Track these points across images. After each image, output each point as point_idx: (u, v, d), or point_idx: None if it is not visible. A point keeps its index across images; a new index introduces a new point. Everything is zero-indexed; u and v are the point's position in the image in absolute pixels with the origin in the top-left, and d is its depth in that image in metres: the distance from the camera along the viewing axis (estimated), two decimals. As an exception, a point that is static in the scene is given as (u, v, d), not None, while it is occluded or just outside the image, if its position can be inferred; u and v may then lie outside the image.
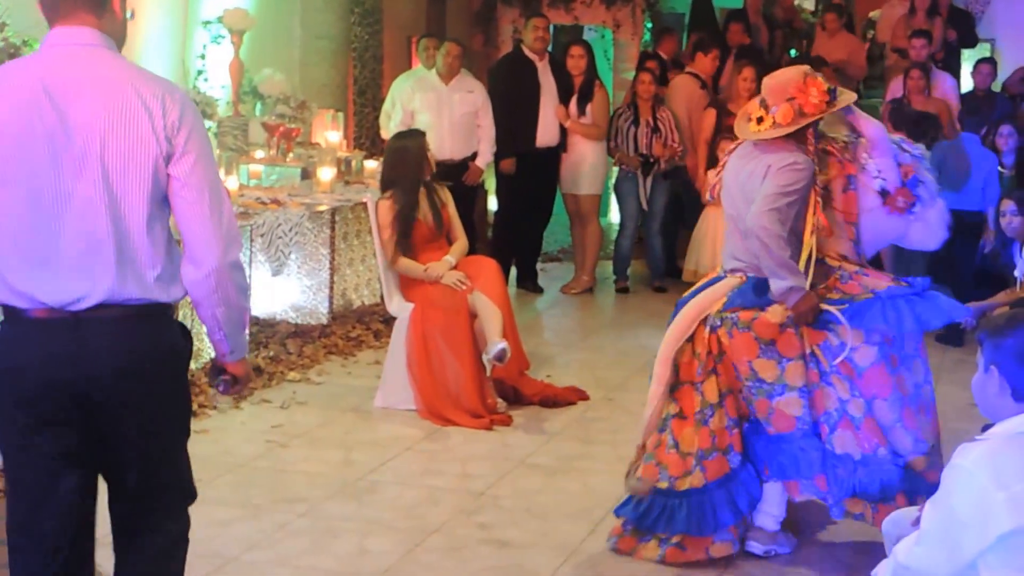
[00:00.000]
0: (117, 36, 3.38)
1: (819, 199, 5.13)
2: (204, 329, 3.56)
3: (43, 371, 3.22)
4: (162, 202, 3.28)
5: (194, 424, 6.35)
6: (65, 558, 3.35)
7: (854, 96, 5.37)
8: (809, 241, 5.10)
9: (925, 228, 5.33)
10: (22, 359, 3.24)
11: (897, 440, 5.02)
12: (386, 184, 7.19)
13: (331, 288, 8.68)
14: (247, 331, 3.56)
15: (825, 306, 5.00)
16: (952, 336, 8.57)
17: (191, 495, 3.57)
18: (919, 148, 5.50)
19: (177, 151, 3.24)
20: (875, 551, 4.68)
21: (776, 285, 4.97)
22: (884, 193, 5.21)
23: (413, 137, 7.25)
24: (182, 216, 3.28)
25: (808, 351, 5.05)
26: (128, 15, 3.66)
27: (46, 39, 3.32)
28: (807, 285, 4.97)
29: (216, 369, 3.56)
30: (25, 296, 3.22)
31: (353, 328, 8.62)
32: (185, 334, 3.48)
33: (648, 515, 5.12)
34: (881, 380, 5.02)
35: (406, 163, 7.11)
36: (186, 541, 3.58)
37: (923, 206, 5.26)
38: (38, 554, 3.34)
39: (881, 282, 5.16)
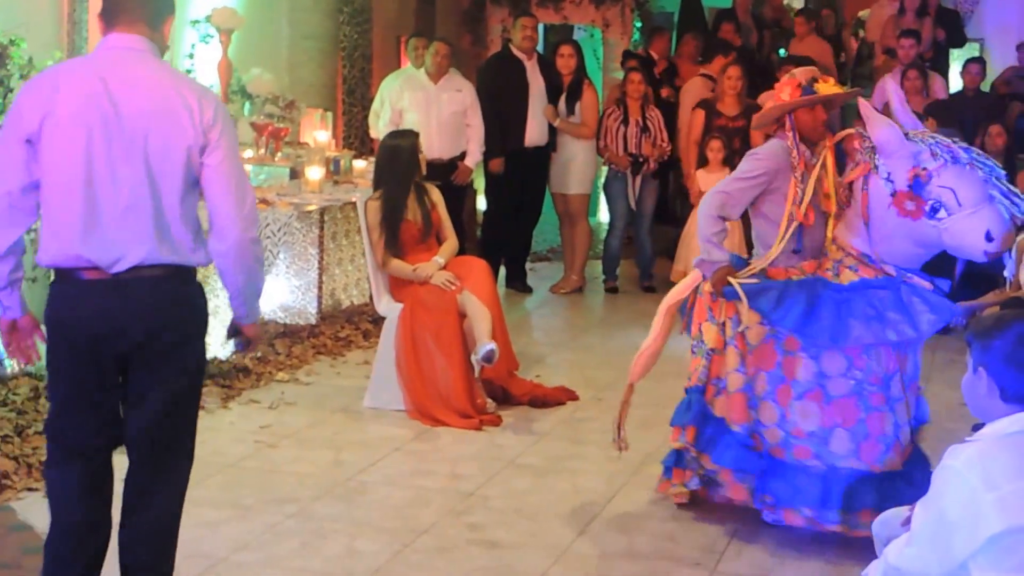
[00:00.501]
0: (161, 49, 4.05)
1: (799, 190, 5.23)
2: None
3: (90, 324, 3.87)
4: (193, 184, 3.94)
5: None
6: (96, 462, 4.04)
7: (834, 89, 5.49)
8: (782, 231, 5.32)
9: (954, 236, 5.14)
10: (73, 313, 3.90)
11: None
12: (377, 184, 7.18)
13: (320, 288, 8.68)
14: (260, 299, 4.24)
15: (732, 280, 5.33)
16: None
17: (190, 457, 4.18)
18: (971, 151, 5.22)
19: (211, 144, 3.90)
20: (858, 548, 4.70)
21: (698, 257, 5.46)
22: (893, 195, 5.22)
23: (406, 137, 7.24)
24: (212, 198, 3.95)
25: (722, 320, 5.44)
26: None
27: (104, 42, 3.99)
28: (725, 260, 5.37)
29: (233, 330, 4.24)
30: (78, 258, 3.85)
31: (342, 328, 8.61)
32: (203, 295, 4.11)
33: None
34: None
35: (398, 163, 7.10)
36: (182, 501, 4.19)
37: (949, 212, 5.10)
38: (74, 451, 4.01)
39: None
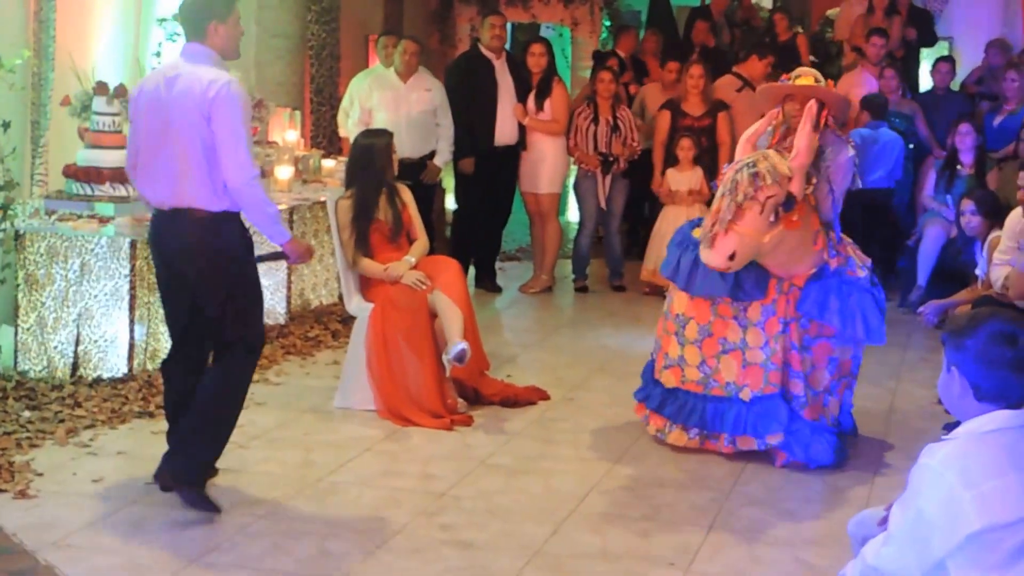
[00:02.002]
0: (222, 47, 5.42)
1: None
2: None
3: (161, 244, 5.50)
4: (212, 148, 5.23)
5: (151, 425, 6.35)
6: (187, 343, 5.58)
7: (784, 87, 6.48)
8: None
9: None
10: (153, 236, 5.55)
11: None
12: (349, 183, 7.14)
13: (288, 288, 8.64)
14: (279, 225, 5.44)
15: None
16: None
17: (253, 349, 5.53)
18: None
19: (213, 117, 5.22)
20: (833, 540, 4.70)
21: None
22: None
23: (381, 136, 7.20)
24: (218, 156, 5.23)
25: None
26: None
27: (182, 49, 5.48)
28: None
29: (278, 254, 5.76)
30: (140, 196, 5.73)
31: (311, 328, 8.57)
32: (232, 232, 5.42)
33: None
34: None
35: (370, 162, 7.05)
36: (247, 380, 5.59)
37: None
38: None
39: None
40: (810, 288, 6.21)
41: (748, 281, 6.20)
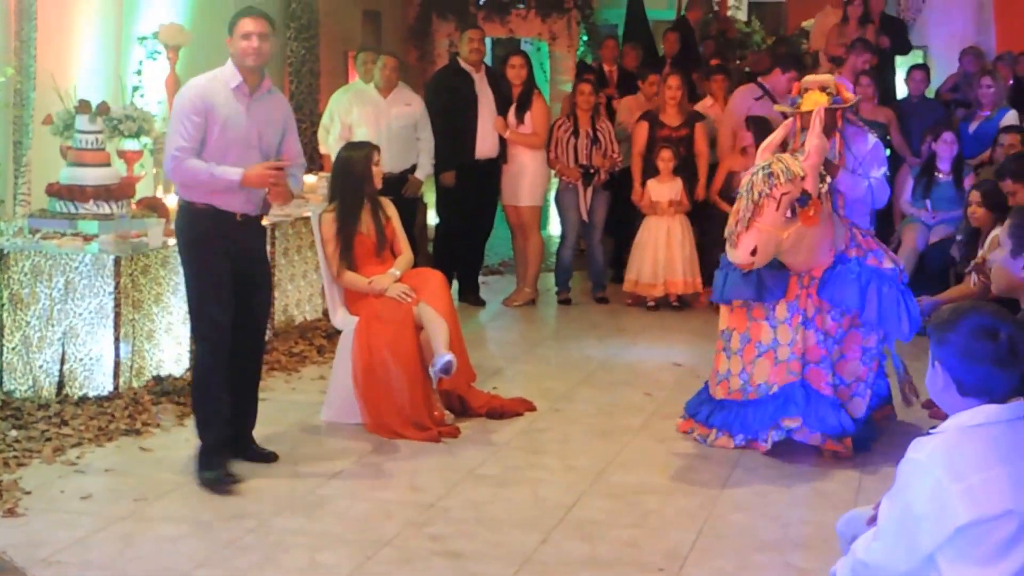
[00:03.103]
0: (232, 56, 6.07)
1: None
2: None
3: None
4: None
5: (138, 442, 6.35)
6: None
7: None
8: None
9: None
10: None
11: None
12: (332, 196, 7.16)
13: (272, 304, 8.62)
14: (224, 177, 5.90)
15: None
16: None
17: (199, 340, 6.20)
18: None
19: None
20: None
21: None
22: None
23: (360, 149, 7.21)
24: None
25: None
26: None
27: None
28: None
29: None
30: None
31: (296, 344, 8.57)
32: (179, 221, 6.19)
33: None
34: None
35: (349, 175, 7.08)
36: (201, 370, 6.16)
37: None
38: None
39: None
40: (827, 275, 6.51)
41: (770, 280, 6.57)
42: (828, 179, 6.46)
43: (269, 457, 6.28)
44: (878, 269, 6.53)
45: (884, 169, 6.83)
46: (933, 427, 3.10)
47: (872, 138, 6.84)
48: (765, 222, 6.18)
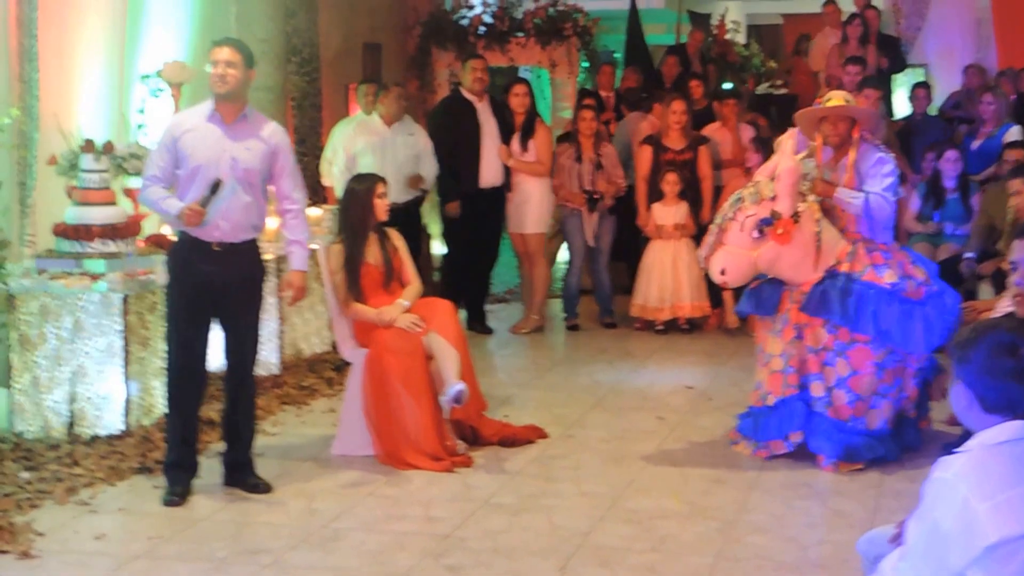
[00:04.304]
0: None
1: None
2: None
3: None
4: None
5: (150, 480, 6.32)
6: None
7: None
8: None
9: None
10: None
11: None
12: (339, 228, 7.17)
13: (281, 338, 8.62)
14: (166, 211, 6.13)
15: None
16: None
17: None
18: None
19: None
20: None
21: None
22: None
23: (363, 181, 7.22)
24: None
25: None
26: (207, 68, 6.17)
27: None
28: None
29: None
30: None
31: (305, 377, 8.55)
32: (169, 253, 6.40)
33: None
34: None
35: (353, 207, 7.08)
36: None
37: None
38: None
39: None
40: (813, 290, 6.68)
41: (764, 294, 6.91)
42: (811, 197, 6.71)
43: (259, 487, 6.30)
44: (872, 284, 6.61)
45: (887, 183, 6.83)
46: (950, 443, 3.11)
47: (878, 154, 6.89)
48: (731, 243, 6.63)
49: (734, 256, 6.63)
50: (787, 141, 6.82)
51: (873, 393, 6.68)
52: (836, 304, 6.58)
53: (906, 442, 6.85)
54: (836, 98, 6.91)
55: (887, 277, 6.64)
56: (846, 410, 6.65)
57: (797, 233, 6.59)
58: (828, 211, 6.82)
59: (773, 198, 6.57)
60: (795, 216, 6.57)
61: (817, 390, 6.70)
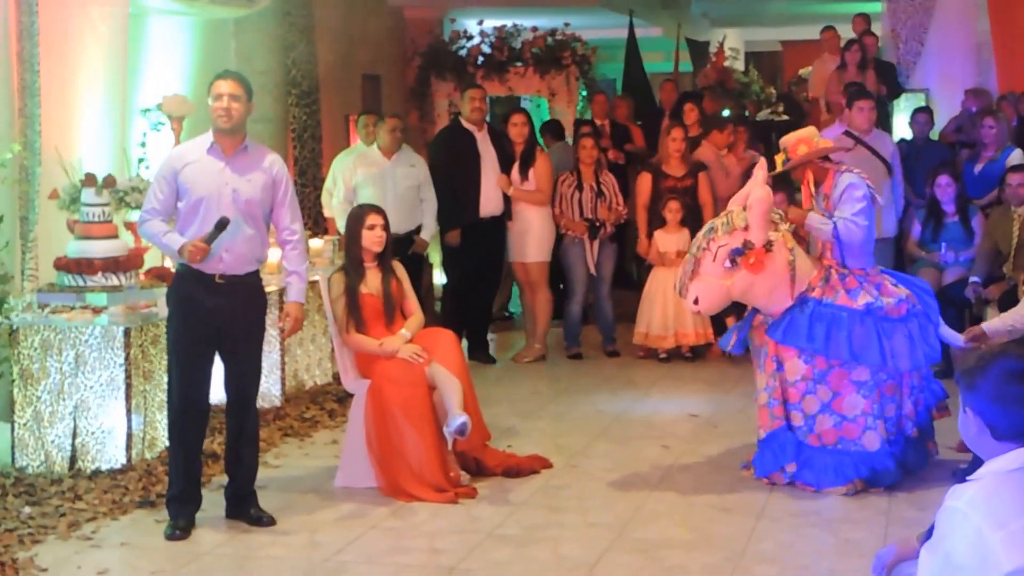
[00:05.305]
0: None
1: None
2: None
3: None
4: None
5: (153, 514, 6.29)
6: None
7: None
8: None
9: None
10: None
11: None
12: (344, 256, 7.21)
13: (283, 369, 8.60)
14: (168, 247, 6.18)
15: None
16: None
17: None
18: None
19: None
20: None
21: None
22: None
23: (357, 212, 7.23)
24: None
25: None
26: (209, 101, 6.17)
27: None
28: None
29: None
30: None
31: (307, 409, 8.52)
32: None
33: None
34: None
35: (347, 237, 7.16)
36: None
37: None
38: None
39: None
40: (782, 316, 6.77)
41: (743, 331, 7.02)
42: (784, 226, 6.85)
43: (262, 520, 6.26)
44: (844, 307, 6.67)
45: (857, 208, 6.82)
46: (960, 470, 3.08)
47: (846, 178, 6.92)
48: (704, 273, 6.72)
49: (707, 285, 6.71)
50: (759, 171, 6.87)
51: (864, 413, 6.68)
52: (803, 330, 6.64)
53: (908, 462, 6.78)
54: (803, 145, 6.98)
55: (861, 299, 6.70)
56: (832, 434, 6.70)
57: (770, 262, 6.68)
58: (804, 238, 6.96)
59: (746, 227, 6.66)
60: (768, 245, 6.66)
61: (796, 419, 6.78)
